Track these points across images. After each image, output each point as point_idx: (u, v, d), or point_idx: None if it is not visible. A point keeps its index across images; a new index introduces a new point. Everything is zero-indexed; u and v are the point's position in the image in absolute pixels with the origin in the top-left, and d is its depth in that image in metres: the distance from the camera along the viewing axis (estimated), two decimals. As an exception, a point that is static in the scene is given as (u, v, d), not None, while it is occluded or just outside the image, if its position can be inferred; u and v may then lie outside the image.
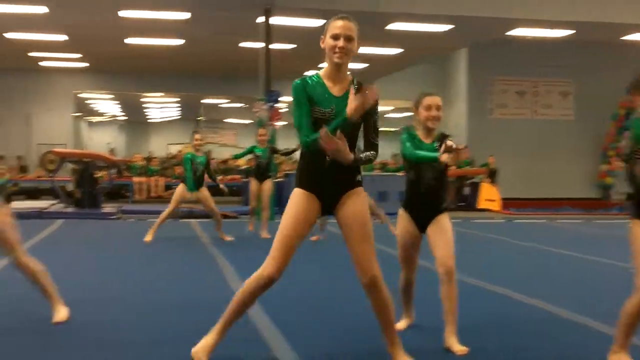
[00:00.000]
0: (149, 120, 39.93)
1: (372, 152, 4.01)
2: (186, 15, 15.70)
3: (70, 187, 17.52)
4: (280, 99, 15.49)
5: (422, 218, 4.75)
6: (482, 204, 18.78)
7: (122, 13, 15.55)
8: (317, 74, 4.02)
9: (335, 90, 3.97)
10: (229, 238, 10.55)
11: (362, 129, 4.02)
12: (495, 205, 18.64)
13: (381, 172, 21.09)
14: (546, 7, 16.06)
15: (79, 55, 21.23)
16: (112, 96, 30.11)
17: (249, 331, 4.85)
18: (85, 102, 30.89)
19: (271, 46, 15.20)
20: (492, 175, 19.71)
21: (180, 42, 18.56)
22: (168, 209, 10.60)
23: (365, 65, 22.28)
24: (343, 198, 4.00)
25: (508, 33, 18.14)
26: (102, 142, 36.45)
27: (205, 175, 10.69)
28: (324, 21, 16.21)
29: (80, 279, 6.76)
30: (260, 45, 15.28)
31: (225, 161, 24.57)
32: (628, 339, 4.08)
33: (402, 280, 4.99)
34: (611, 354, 4.13)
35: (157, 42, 18.65)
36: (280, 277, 3.96)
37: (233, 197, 17.94)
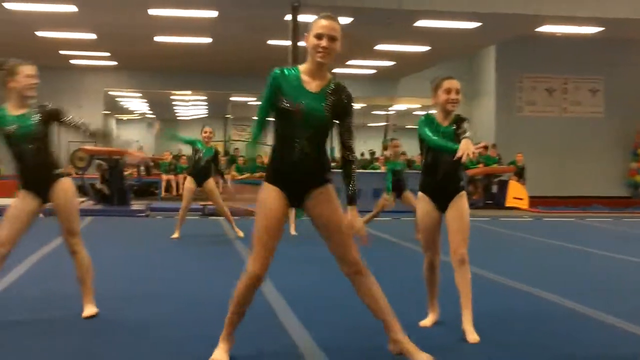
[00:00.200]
0: (177, 118, 40.18)
1: (350, 160, 4.06)
2: (214, 14, 15.78)
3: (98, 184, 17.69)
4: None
5: (441, 199, 4.86)
6: (510, 202, 18.66)
7: (152, 11, 15.66)
8: (297, 67, 4.05)
9: (312, 86, 3.98)
10: (241, 234, 10.61)
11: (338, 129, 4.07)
12: (523, 204, 18.51)
13: (408, 169, 21.00)
14: (575, 4, 15.91)
15: (108, 54, 21.42)
16: (140, 94, 30.34)
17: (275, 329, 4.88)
18: (115, 99, 31.15)
19: (298, 44, 15.23)
20: (520, 173, 19.58)
21: (208, 40, 18.65)
22: (182, 205, 10.65)
23: (393, 62, 22.25)
24: (313, 194, 4.02)
25: (536, 30, 18.01)
26: (131, 139, 36.74)
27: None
28: (352, 19, 16.24)
29: (111, 276, 6.83)
30: (287, 43, 15.32)
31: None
32: None
33: (426, 264, 5.03)
34: None
35: (186, 41, 18.75)
36: (265, 273, 3.99)
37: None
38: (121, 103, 33.75)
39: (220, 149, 30.38)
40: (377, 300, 4.11)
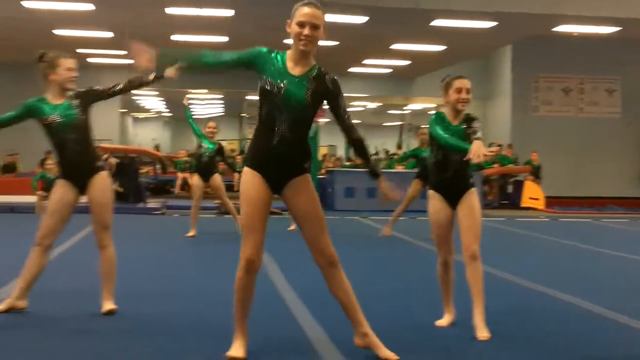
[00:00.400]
0: (194, 116, 40.28)
1: (358, 138, 4.08)
2: (230, 12, 15.83)
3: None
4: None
5: (452, 196, 4.90)
6: (525, 202, 18.61)
7: (169, 10, 15.74)
8: (284, 52, 4.07)
9: (295, 71, 4.01)
10: None
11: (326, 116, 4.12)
12: (539, 204, 18.46)
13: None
14: (592, 4, 15.86)
15: (124, 52, 21.51)
16: (157, 93, 30.48)
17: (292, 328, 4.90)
18: (131, 98, 31.30)
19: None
20: (536, 173, 19.52)
21: (225, 39, 18.72)
22: (194, 203, 10.69)
23: (409, 62, 22.24)
24: (292, 183, 4.04)
25: (553, 29, 17.95)
26: (147, 138, 36.96)
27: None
28: (367, 18, 16.23)
29: (127, 274, 6.87)
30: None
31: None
32: None
33: (439, 264, 5.04)
34: None
35: (202, 39, 18.82)
36: (259, 257, 4.01)
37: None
38: (137, 101, 33.90)
39: (236, 147, 30.54)
40: (347, 294, 4.14)
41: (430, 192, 5.00)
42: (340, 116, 4.07)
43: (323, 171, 19.54)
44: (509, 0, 15.55)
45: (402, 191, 4.32)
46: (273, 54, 4.06)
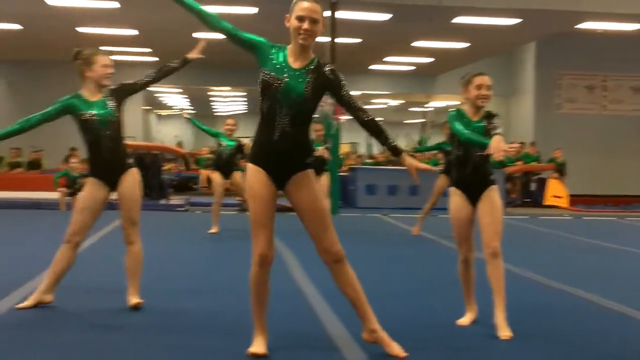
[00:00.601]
0: (216, 114, 40.44)
1: (370, 119, 4.08)
2: (253, 10, 15.87)
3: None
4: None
5: (473, 192, 4.90)
6: (548, 200, 18.51)
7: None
8: (285, 46, 4.10)
9: (295, 65, 4.03)
10: None
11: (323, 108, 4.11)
12: (563, 202, 18.35)
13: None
14: (616, 0, 15.73)
15: (148, 50, 21.64)
16: (180, 90, 30.62)
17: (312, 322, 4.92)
18: (154, 95, 31.46)
19: (337, 40, 15.27)
20: (560, 170, 19.40)
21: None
22: (215, 200, 10.73)
23: (431, 59, 22.17)
24: (294, 178, 4.05)
25: (577, 26, 17.82)
26: (170, 135, 37.14)
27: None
28: (390, 15, 16.14)
29: (150, 270, 6.93)
30: (326, 39, 15.36)
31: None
32: None
33: (461, 262, 5.03)
34: None
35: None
36: (271, 251, 4.02)
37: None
38: (160, 99, 34.07)
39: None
40: (356, 290, 4.14)
41: (451, 189, 5.00)
42: (347, 103, 4.08)
43: (345, 168, 19.54)
44: (532, -3, 15.46)
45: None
46: (274, 48, 4.09)
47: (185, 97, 34.40)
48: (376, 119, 4.11)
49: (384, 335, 4.17)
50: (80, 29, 18.46)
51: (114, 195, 5.35)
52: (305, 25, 3.95)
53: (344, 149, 26.89)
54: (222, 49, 20.49)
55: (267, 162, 4.04)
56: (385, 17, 16.42)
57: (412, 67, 24.21)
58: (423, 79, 25.78)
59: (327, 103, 15.34)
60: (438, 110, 33.83)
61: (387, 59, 22.44)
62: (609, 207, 18.85)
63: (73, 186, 14.08)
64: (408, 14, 16.11)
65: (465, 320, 5.05)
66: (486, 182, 4.89)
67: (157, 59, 23.09)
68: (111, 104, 5.25)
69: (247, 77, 25.54)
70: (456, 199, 4.95)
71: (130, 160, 5.38)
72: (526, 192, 19.32)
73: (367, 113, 4.09)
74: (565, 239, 11.35)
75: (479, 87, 4.87)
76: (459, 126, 4.79)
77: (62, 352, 4.18)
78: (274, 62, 4.03)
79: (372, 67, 24.00)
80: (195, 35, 18.81)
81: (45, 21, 17.58)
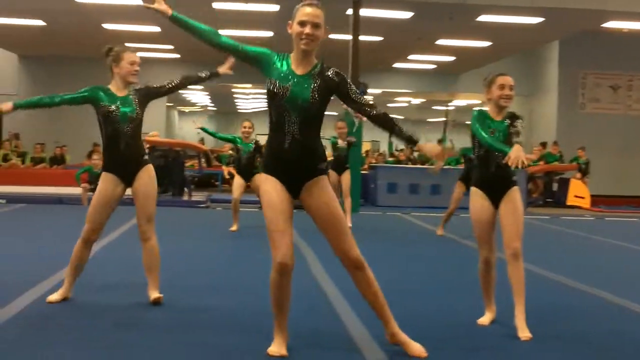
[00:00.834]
0: (238, 111, 40.54)
1: (380, 112, 4.08)
2: (275, 8, 15.91)
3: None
4: (367, 91, 15.53)
5: (495, 193, 4.89)
6: (570, 200, 18.39)
7: (216, 5, 15.86)
8: (289, 55, 4.11)
9: (299, 71, 4.04)
10: None
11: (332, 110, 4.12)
12: (585, 202, 18.23)
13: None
14: (642, -1, 15.60)
15: (171, 47, 21.75)
16: (202, 87, 30.72)
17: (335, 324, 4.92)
18: (177, 92, 31.58)
19: (360, 38, 15.26)
20: (583, 169, 19.26)
21: (270, 34, 18.79)
22: (233, 198, 10.73)
23: (453, 58, 22.10)
24: (307, 186, 4.05)
25: (602, 25, 17.69)
26: (192, 131, 37.24)
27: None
28: (412, 14, 16.09)
29: (170, 266, 6.97)
30: (348, 37, 15.35)
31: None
32: None
33: (481, 263, 5.00)
34: None
35: (247, 34, 18.92)
36: (291, 258, 4.00)
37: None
38: (183, 95, 34.20)
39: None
40: (376, 295, 4.14)
41: (473, 189, 4.99)
42: (354, 102, 4.09)
43: (366, 167, 19.53)
44: (556, -4, 15.36)
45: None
46: (277, 57, 4.10)
47: (208, 94, 34.52)
48: (386, 113, 4.10)
49: (404, 337, 4.18)
50: (106, 26, 18.59)
51: (128, 191, 5.38)
52: (307, 29, 3.96)
53: (365, 147, 26.87)
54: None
55: (279, 171, 4.04)
56: (406, 15, 16.39)
57: (434, 66, 24.15)
58: (445, 78, 25.71)
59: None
60: (460, 109, 33.71)
61: (409, 57, 22.39)
62: (631, 208, 18.69)
63: (95, 182, 14.13)
64: (430, 12, 16.07)
65: (484, 320, 5.04)
66: (508, 182, 4.88)
67: (178, 55, 23.20)
68: (135, 102, 5.34)
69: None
70: (478, 200, 4.93)
71: (146, 157, 5.43)
72: (548, 192, 19.21)
73: (377, 108, 4.10)
74: (586, 240, 11.28)
75: (502, 87, 4.87)
76: (480, 130, 4.79)
77: (79, 348, 4.21)
78: (279, 70, 4.05)
79: (395, 65, 23.96)
80: (219, 32, 18.89)
81: (71, 17, 17.71)
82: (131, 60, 5.34)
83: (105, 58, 5.37)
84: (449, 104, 33.07)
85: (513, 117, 4.88)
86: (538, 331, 4.70)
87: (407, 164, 22.00)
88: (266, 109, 4.19)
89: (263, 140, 10.28)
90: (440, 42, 19.62)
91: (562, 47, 21.38)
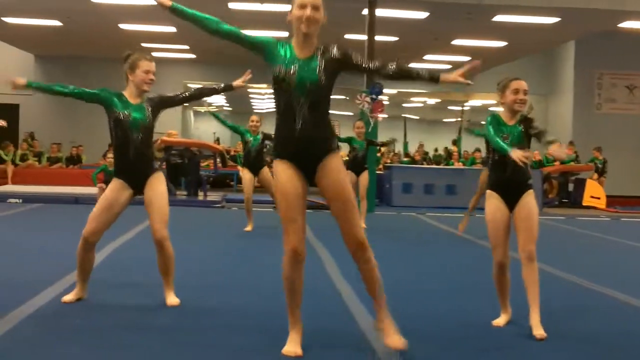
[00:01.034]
0: (254, 111, 40.63)
1: (393, 65, 4.11)
2: (284, 34, 15.93)
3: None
4: (382, 91, 15.52)
5: (510, 195, 4.90)
6: (586, 201, 18.30)
7: (232, 5, 15.90)
8: (289, 42, 4.14)
9: (302, 55, 4.07)
10: None
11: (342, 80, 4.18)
12: (601, 203, 18.14)
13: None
14: (660, -1, 15.50)
15: (187, 47, 21.82)
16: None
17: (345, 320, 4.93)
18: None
19: (376, 38, 15.25)
20: (600, 170, 19.16)
21: (285, 34, 18.79)
22: (245, 197, 10.76)
23: (469, 58, 22.03)
24: (321, 166, 4.06)
25: (618, 25, 17.60)
26: (208, 131, 37.34)
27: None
28: (427, 14, 16.06)
29: (186, 266, 7.00)
30: (364, 37, 15.35)
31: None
32: None
33: (495, 266, 4.99)
34: None
35: (262, 34, 18.96)
36: (302, 246, 4.03)
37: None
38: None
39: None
40: (374, 282, 4.14)
41: (488, 192, 4.99)
42: (363, 68, 4.12)
43: (381, 167, 19.52)
44: (573, -4, 15.29)
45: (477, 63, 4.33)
46: (279, 44, 4.14)
47: (224, 94, 34.59)
48: (399, 63, 4.11)
49: (388, 326, 4.16)
50: (122, 26, 18.67)
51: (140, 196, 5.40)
52: (307, 12, 3.98)
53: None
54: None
55: (293, 153, 4.06)
56: (422, 15, 16.37)
57: (450, 66, 24.08)
58: (461, 78, 25.63)
59: (364, 101, 15.36)
60: (476, 109, 33.62)
61: (424, 57, 22.36)
62: (648, 209, 18.59)
63: (110, 181, 14.21)
64: (446, 12, 16.04)
65: (500, 321, 5.04)
66: (524, 186, 4.89)
67: (194, 56, 23.28)
68: (148, 110, 5.33)
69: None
70: (493, 202, 4.94)
71: (156, 166, 5.45)
72: (564, 193, 19.13)
73: (389, 64, 4.11)
74: (602, 240, 11.23)
75: (516, 91, 4.89)
76: (490, 131, 4.84)
77: (93, 347, 4.24)
78: (282, 57, 4.08)
79: (411, 65, 23.89)
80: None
81: (88, 18, 17.80)
82: (146, 69, 5.33)
83: (124, 64, 5.37)
84: (465, 104, 32.97)
85: (526, 120, 4.89)
86: (551, 331, 4.69)
87: (422, 164, 21.98)
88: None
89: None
90: (456, 42, 19.58)
91: (578, 47, 21.29)
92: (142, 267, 6.84)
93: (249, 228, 10.60)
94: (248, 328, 4.74)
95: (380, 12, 15.23)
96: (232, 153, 23.63)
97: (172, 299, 5.34)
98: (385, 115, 20.53)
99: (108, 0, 15.96)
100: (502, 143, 4.72)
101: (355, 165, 11.31)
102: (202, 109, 40.86)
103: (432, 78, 4.14)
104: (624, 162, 20.67)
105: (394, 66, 4.11)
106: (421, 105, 35.06)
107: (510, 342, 4.60)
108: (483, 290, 5.97)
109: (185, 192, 16.33)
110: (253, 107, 39.36)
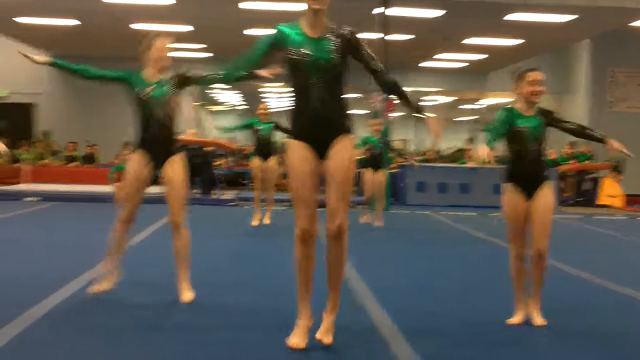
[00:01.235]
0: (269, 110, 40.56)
1: (390, 81, 4.17)
2: (303, 7, 15.91)
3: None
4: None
5: (528, 187, 4.91)
6: (603, 199, 18.20)
7: (242, 5, 15.91)
8: (297, 22, 4.16)
9: (314, 34, 4.08)
10: (267, 221, 10.68)
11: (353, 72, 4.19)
12: (618, 202, 18.04)
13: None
14: (676, -4, 15.40)
15: (203, 46, 21.86)
16: (232, 85, 30.80)
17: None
18: (206, 91, 31.72)
19: (388, 37, 15.23)
20: (616, 169, 19.05)
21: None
22: (255, 185, 10.77)
23: (484, 56, 21.98)
24: (334, 143, 4.07)
25: (633, 24, 17.49)
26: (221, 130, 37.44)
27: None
28: (443, 12, 16.03)
29: (200, 263, 7.02)
30: (376, 36, 15.32)
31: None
32: None
33: (513, 258, 4.98)
34: None
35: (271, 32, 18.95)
36: (313, 226, 4.06)
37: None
38: (212, 95, 34.36)
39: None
40: (338, 267, 4.16)
41: (506, 185, 4.99)
42: (367, 63, 4.16)
43: (394, 165, 19.49)
44: (589, -7, 15.21)
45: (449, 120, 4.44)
46: (287, 28, 4.15)
47: (238, 93, 34.67)
48: (397, 82, 4.17)
49: (329, 320, 4.17)
50: (134, 26, 18.70)
51: (157, 188, 5.45)
52: None
53: (396, 146, 26.80)
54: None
55: (309, 132, 4.09)
56: (436, 13, 16.33)
57: (465, 64, 24.04)
58: (475, 76, 25.59)
59: (377, 100, 15.35)
60: (490, 108, 33.49)
61: (439, 55, 22.30)
62: (664, 208, 18.46)
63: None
64: (462, 11, 15.99)
65: (515, 319, 5.01)
66: (541, 178, 4.90)
67: (211, 54, 23.32)
68: (168, 86, 5.39)
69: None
70: (511, 195, 4.95)
71: (179, 146, 5.49)
72: (580, 191, 19.03)
73: (389, 76, 4.16)
74: (617, 239, 11.18)
75: (532, 83, 4.89)
76: (497, 124, 4.86)
77: (111, 344, 4.27)
78: (294, 39, 4.10)
79: (423, 64, 23.88)
80: (246, 32, 18.95)
81: (99, 18, 17.86)
82: (159, 46, 5.42)
83: (140, 45, 5.45)
84: (478, 102, 32.84)
85: (546, 112, 4.92)
86: (563, 328, 4.70)
87: (435, 162, 21.91)
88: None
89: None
90: (471, 40, 19.51)
91: (594, 45, 21.17)
92: (156, 265, 6.86)
93: (255, 223, 10.55)
94: (261, 326, 4.74)
95: (395, 11, 15.18)
96: (246, 152, 23.64)
97: (187, 295, 5.34)
98: (399, 114, 20.49)
99: (120, 0, 15.98)
100: (492, 138, 4.76)
101: (372, 163, 11.28)
102: (216, 108, 40.89)
103: (417, 110, 4.22)
104: (638, 161, 20.50)
105: (393, 80, 4.17)
106: (435, 103, 34.95)
107: (520, 339, 4.60)
108: (495, 288, 5.96)
109: (199, 191, 16.37)
110: (268, 106, 39.35)
